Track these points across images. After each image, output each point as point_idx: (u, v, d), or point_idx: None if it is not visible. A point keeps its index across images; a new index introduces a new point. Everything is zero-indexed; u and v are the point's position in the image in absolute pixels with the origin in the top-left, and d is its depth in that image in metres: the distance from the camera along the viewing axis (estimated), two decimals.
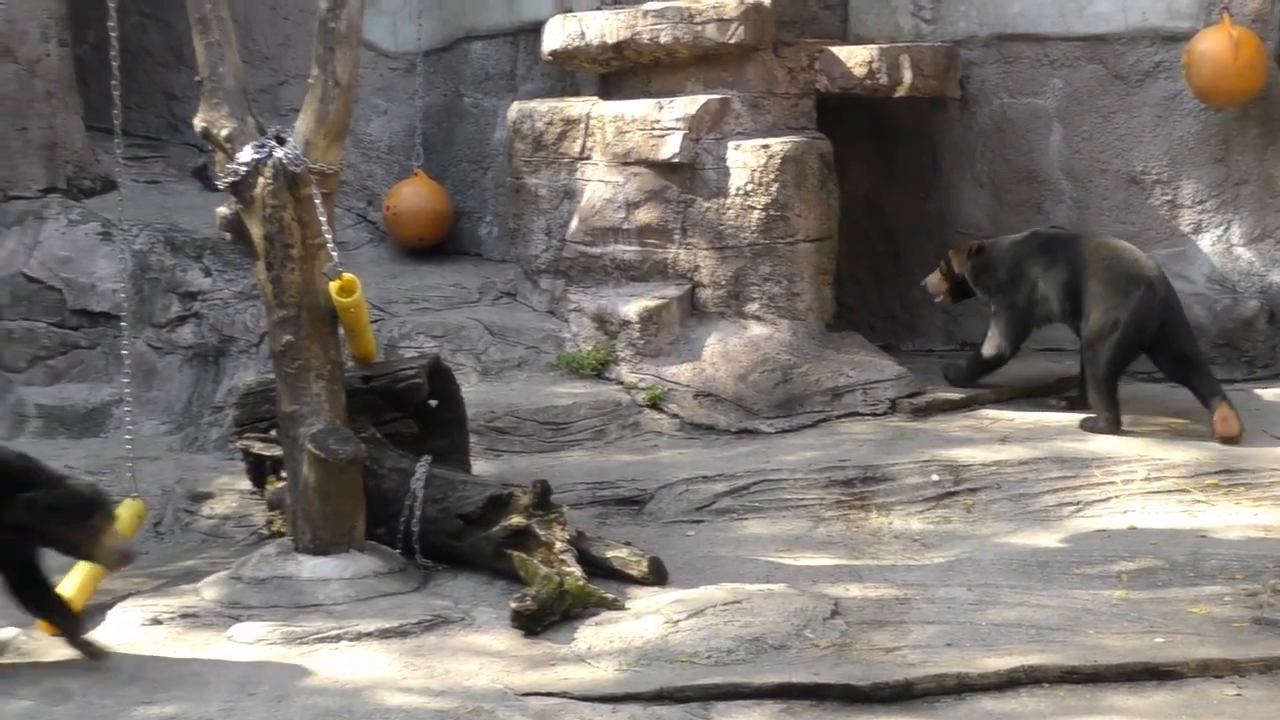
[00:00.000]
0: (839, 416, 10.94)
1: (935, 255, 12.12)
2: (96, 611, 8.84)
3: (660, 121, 11.48)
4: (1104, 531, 9.32)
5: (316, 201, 8.97)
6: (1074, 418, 10.71)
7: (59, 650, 8.34)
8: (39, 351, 12.78)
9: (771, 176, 11.26)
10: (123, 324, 10.20)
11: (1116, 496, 9.73)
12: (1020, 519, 9.53)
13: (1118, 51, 12.07)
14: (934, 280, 11.56)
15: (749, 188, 11.30)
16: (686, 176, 11.45)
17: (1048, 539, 9.21)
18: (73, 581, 8.85)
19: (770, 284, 11.28)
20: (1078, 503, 9.67)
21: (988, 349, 11.26)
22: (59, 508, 7.85)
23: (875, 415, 10.93)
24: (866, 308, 12.68)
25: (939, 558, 9.06)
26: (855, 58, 11.71)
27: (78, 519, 7.88)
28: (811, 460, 10.14)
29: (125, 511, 9.57)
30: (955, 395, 11.13)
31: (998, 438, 10.41)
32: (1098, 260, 10.73)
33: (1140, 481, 9.81)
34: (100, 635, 8.53)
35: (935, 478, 9.87)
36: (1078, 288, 10.71)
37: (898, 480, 9.86)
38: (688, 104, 11.45)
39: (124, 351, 10.15)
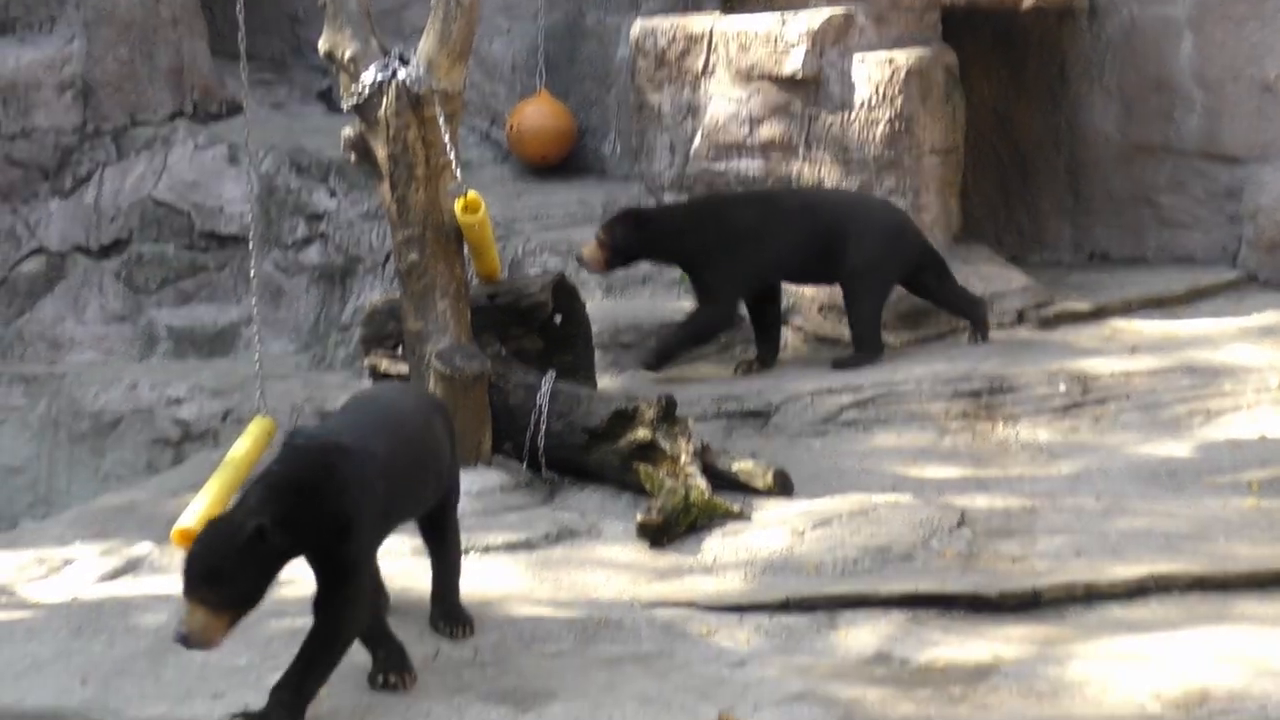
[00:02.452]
0: (965, 328, 10.87)
1: (1064, 168, 12.02)
2: None
3: (783, 36, 11.40)
4: (1234, 441, 9.23)
5: (440, 121, 9.00)
6: (1205, 327, 10.59)
7: None
8: (168, 274, 12.92)
9: (896, 89, 11.17)
10: (250, 246, 10.29)
11: (1247, 406, 9.63)
12: (1149, 429, 9.45)
13: None
14: (590, 251, 10.80)
15: (873, 101, 11.22)
16: (810, 91, 11.37)
17: (1177, 448, 9.13)
18: (202, 501, 8.95)
19: (896, 197, 11.20)
20: (1207, 412, 9.58)
21: (705, 315, 10.71)
22: None
23: (1002, 326, 10.84)
24: (993, 220, 12.56)
25: (1067, 468, 9.01)
26: None
27: None
28: (938, 372, 10.08)
29: (255, 430, 9.68)
30: (1084, 306, 11.02)
31: (1127, 348, 10.32)
32: (840, 206, 10.76)
33: (1273, 390, 9.70)
34: None
35: (1063, 388, 9.80)
36: (825, 236, 10.52)
37: (1025, 391, 9.79)
38: (811, 18, 11.36)
39: (252, 273, 10.22)
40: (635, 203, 12.19)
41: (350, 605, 6.69)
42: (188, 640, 6.39)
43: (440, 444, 7.35)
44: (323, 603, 6.68)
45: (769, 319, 10.76)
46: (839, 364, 10.42)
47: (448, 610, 7.48)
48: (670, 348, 10.60)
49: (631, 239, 10.54)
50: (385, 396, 7.94)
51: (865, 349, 10.51)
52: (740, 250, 10.49)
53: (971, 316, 10.72)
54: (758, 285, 10.65)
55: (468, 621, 7.45)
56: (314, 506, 6.57)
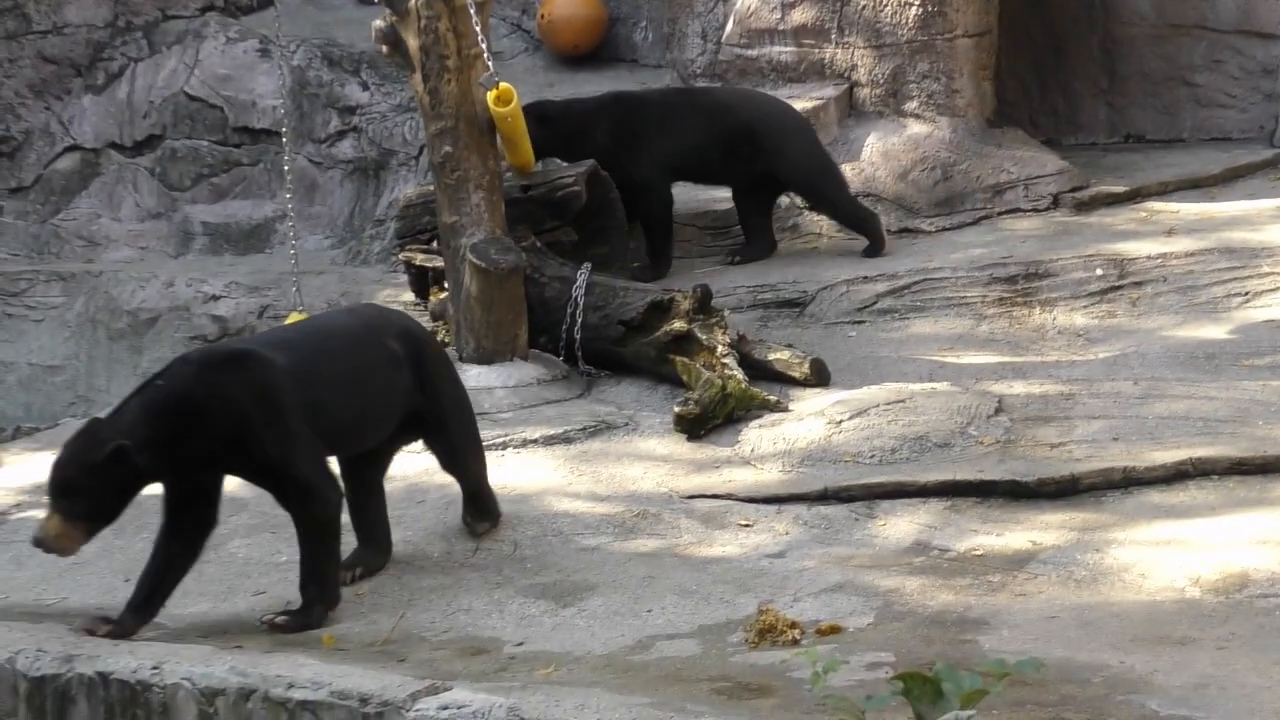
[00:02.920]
0: (1000, 213, 10.82)
1: (1099, 48, 11.92)
2: None
3: None
4: (1273, 322, 9.17)
5: (471, 11, 8.96)
6: (1242, 208, 10.52)
7: None
8: (203, 170, 12.90)
9: None
10: (283, 140, 10.27)
11: None
12: (1187, 312, 9.41)
13: None
14: None
15: None
16: None
17: (1215, 331, 9.09)
18: None
19: (929, 81, 11.14)
20: (1246, 294, 9.52)
21: (650, 208, 10.45)
22: None
23: (1037, 211, 10.80)
24: (1028, 102, 12.47)
25: (1104, 352, 8.99)
26: None
27: None
28: (973, 258, 10.05)
29: (292, 324, 9.70)
30: (1120, 189, 10.95)
31: (1163, 230, 10.26)
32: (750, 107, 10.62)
33: None
34: None
35: (1099, 272, 9.75)
36: (735, 137, 10.38)
37: (1061, 276, 9.74)
38: None
39: (286, 167, 10.23)
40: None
41: (309, 502, 6.72)
42: (42, 544, 6.52)
43: (392, 368, 7.08)
44: (288, 511, 6.76)
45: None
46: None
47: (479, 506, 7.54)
48: (657, 253, 10.47)
49: (534, 134, 10.29)
50: (328, 317, 7.97)
51: (868, 232, 10.51)
52: (649, 144, 10.37)
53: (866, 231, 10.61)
54: (674, 178, 10.53)
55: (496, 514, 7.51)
56: (199, 425, 6.54)
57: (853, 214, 10.59)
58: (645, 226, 10.42)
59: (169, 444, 6.49)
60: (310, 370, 6.81)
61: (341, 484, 6.93)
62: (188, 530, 6.75)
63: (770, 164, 10.34)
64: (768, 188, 10.56)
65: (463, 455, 7.45)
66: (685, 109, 10.60)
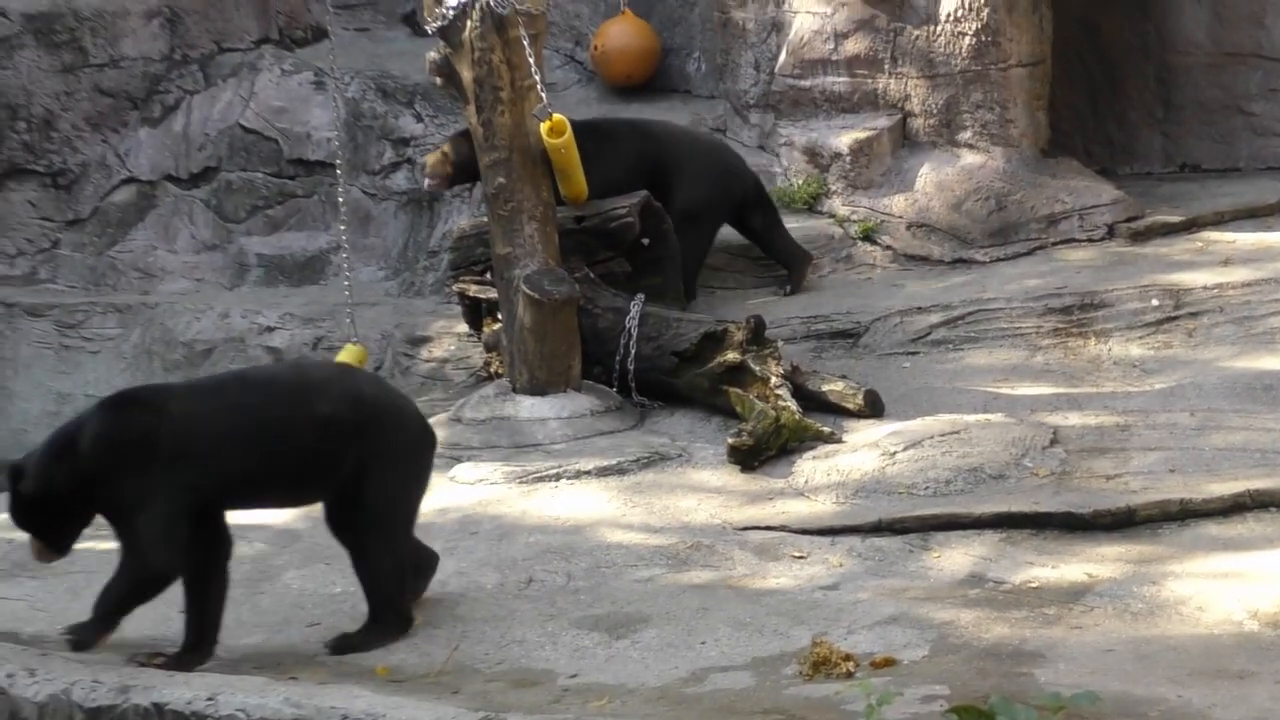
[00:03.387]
0: (1055, 243, 10.78)
1: (1154, 77, 11.88)
2: None
3: None
4: None
5: (524, 43, 9.00)
6: None
7: None
8: (257, 201, 12.96)
9: (982, 1, 11.06)
10: (338, 172, 10.31)
11: None
12: (1244, 342, 9.35)
13: None
14: (434, 160, 10.55)
15: (959, 13, 11.12)
16: (895, 5, 11.27)
17: (1273, 362, 9.03)
18: None
19: (983, 111, 11.12)
20: None
21: None
22: None
23: (1092, 241, 10.75)
24: (1082, 132, 12.43)
25: (1160, 383, 8.94)
26: None
27: None
28: (1028, 288, 10.02)
29: (346, 356, 9.74)
30: (1176, 218, 10.90)
31: (1220, 260, 10.20)
32: (669, 140, 10.69)
33: None
34: None
35: (1155, 302, 9.71)
36: (652, 169, 10.37)
37: (1116, 306, 9.70)
38: None
39: (340, 199, 10.27)
40: (721, 122, 12.15)
41: (135, 553, 6.69)
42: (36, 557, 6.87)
43: (318, 431, 6.76)
44: (121, 549, 6.75)
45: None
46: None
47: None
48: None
49: (472, 158, 10.31)
50: (270, 369, 7.97)
51: (688, 292, 10.36)
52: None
53: (790, 267, 10.66)
54: None
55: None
56: (71, 461, 6.61)
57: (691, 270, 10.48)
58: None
59: (55, 476, 6.61)
60: (209, 419, 6.68)
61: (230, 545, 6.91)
62: (204, 559, 6.78)
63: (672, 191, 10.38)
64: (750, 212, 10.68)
65: (362, 549, 6.91)
66: (611, 138, 10.54)
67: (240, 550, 7.85)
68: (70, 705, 6.30)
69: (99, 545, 7.99)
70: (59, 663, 6.59)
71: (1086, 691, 4.90)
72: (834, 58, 11.48)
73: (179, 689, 6.22)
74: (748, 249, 10.79)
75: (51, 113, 13.31)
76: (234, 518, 8.19)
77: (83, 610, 7.42)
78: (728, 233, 10.76)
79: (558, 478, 8.33)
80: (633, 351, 9.11)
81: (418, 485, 7.03)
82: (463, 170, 10.30)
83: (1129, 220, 10.90)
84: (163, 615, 7.30)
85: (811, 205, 11.31)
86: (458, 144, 10.27)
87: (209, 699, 6.11)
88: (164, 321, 11.93)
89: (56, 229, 13.18)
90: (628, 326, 9.15)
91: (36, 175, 13.32)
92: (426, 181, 10.63)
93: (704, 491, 8.12)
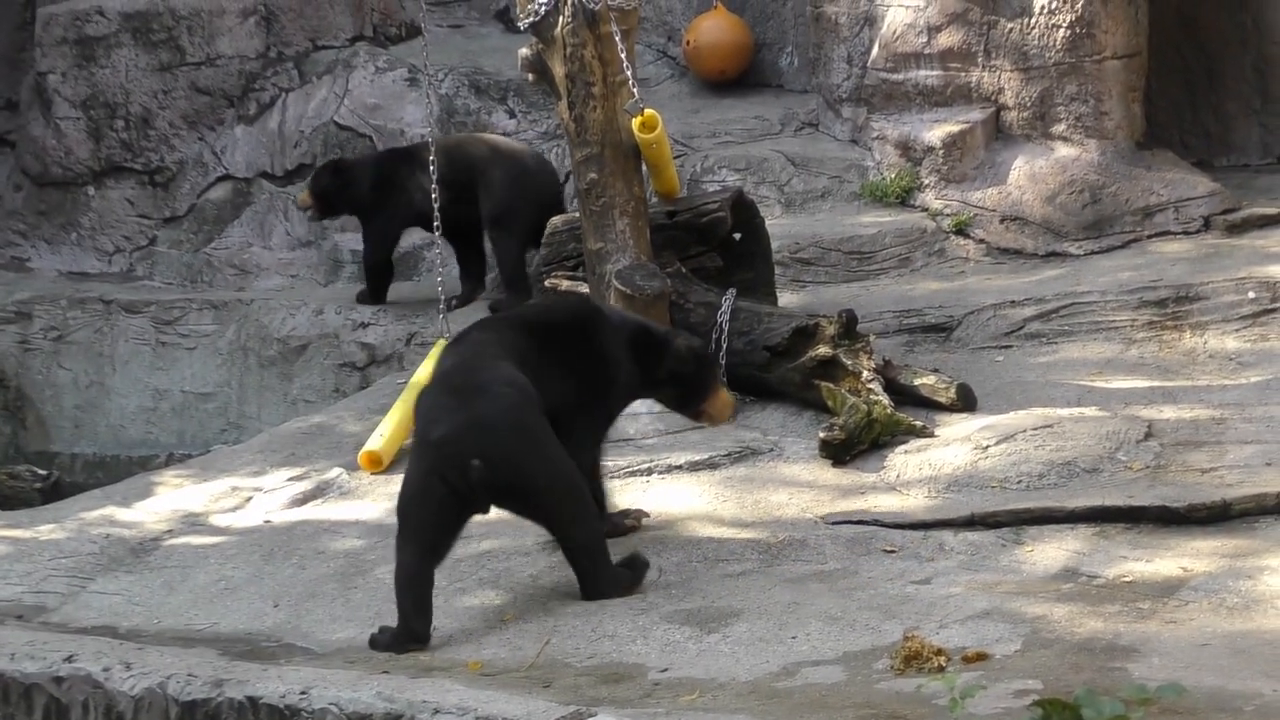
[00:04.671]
0: (1150, 236, 10.71)
1: (1251, 68, 11.78)
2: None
3: None
4: None
5: (616, 38, 9.00)
6: None
7: (379, 489, 8.57)
8: None
9: None
10: (431, 168, 10.34)
11: None
12: None
13: None
14: (303, 197, 11.89)
15: (1053, 5, 11.05)
16: None
17: None
18: (388, 424, 9.06)
19: (1077, 103, 11.05)
20: None
21: (369, 258, 11.88)
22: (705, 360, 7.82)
23: (1188, 233, 10.67)
24: (1178, 124, 12.34)
25: (1256, 376, 8.86)
26: None
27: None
28: (1122, 281, 9.95)
29: (439, 352, 9.76)
30: (1272, 210, 10.80)
31: None
32: (473, 154, 11.38)
33: None
34: None
35: (1252, 295, 9.62)
36: (461, 183, 11.04)
37: (1212, 299, 9.61)
38: None
39: (434, 195, 10.30)
40: (814, 116, 12.13)
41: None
42: None
43: None
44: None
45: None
46: (493, 306, 11.04)
47: None
48: (371, 283, 11.82)
49: (330, 190, 11.54)
50: None
51: (513, 289, 10.96)
52: (387, 201, 11.45)
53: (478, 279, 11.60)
54: (405, 228, 11.68)
55: None
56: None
57: (510, 271, 11.16)
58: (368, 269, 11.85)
59: None
60: None
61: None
62: None
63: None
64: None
65: None
66: (419, 162, 11.11)
67: (333, 544, 7.95)
68: (165, 699, 6.37)
69: (194, 540, 8.11)
70: (154, 656, 6.65)
71: (1172, 684, 4.87)
72: (927, 51, 11.44)
73: (272, 683, 6.27)
74: (841, 242, 10.76)
75: (149, 111, 13.44)
76: (318, 512, 8.32)
77: (179, 604, 7.52)
78: (822, 228, 10.75)
79: (649, 472, 8.34)
80: (725, 346, 9.10)
81: None
82: (323, 199, 11.62)
83: (1225, 212, 10.81)
84: (258, 610, 7.38)
85: (904, 199, 11.28)
86: (317, 177, 11.67)
87: (302, 693, 6.16)
88: (259, 318, 12.02)
89: (153, 226, 13.31)
90: (719, 321, 9.14)
91: (134, 173, 13.46)
92: (306, 214, 12.02)
93: (795, 486, 8.11)
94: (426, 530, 6.91)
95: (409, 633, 6.83)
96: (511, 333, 7.35)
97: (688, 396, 7.67)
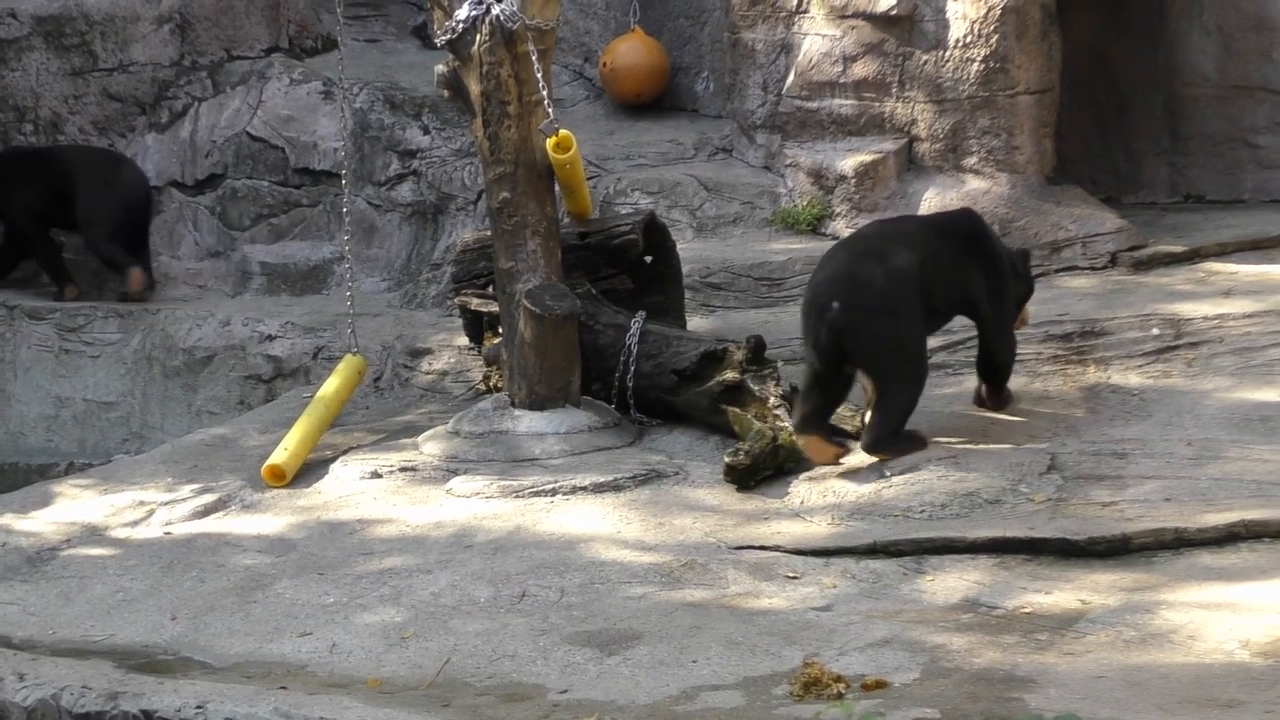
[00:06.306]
0: (1057, 270, 10.77)
1: (1161, 108, 11.88)
2: (318, 466, 9.01)
3: None
4: None
5: (533, 58, 9.00)
6: None
7: (282, 503, 8.53)
8: (263, 210, 12.97)
9: (992, 28, 11.07)
10: (343, 182, 10.31)
11: None
12: (1243, 373, 9.32)
13: None
14: None
15: (968, 39, 11.12)
16: (904, 29, 11.29)
17: (1271, 394, 9.01)
18: (292, 438, 9.02)
19: (989, 137, 11.13)
20: None
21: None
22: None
23: (1095, 269, 10.75)
24: (1088, 160, 12.43)
25: (1158, 413, 8.93)
26: None
27: None
28: (1029, 315, 9.99)
29: (345, 367, 9.75)
30: (1179, 248, 10.88)
31: (1221, 291, 10.19)
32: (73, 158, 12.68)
33: None
34: (321, 489, 8.70)
35: (1156, 332, 9.69)
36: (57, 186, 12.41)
37: (1117, 335, 9.68)
38: None
39: (345, 210, 10.27)
40: (728, 142, 12.16)
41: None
42: None
43: None
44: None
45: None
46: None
47: None
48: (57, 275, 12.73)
49: None
50: None
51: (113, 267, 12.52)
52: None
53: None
54: (29, 229, 12.65)
55: None
56: None
57: (107, 256, 12.48)
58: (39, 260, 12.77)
59: None
60: None
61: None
62: None
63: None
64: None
65: None
66: (20, 164, 12.49)
67: (234, 558, 7.90)
68: (59, 711, 6.32)
69: (92, 551, 8.04)
70: (49, 667, 6.59)
71: (1068, 715, 4.91)
72: (842, 80, 11.49)
73: (168, 696, 6.23)
74: (752, 268, 10.78)
75: (59, 116, 13.32)
76: (219, 525, 8.27)
77: (76, 615, 7.45)
78: (734, 253, 10.75)
79: (554, 493, 8.33)
80: (632, 369, 9.12)
81: None
82: None
83: (1132, 249, 10.89)
84: (155, 623, 7.32)
85: (815, 227, 11.31)
86: None
87: (198, 707, 6.13)
88: (165, 328, 11.93)
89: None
90: (628, 344, 9.15)
91: None
92: None
93: (700, 510, 8.12)
94: (813, 368, 8.35)
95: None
96: (923, 232, 8.73)
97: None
